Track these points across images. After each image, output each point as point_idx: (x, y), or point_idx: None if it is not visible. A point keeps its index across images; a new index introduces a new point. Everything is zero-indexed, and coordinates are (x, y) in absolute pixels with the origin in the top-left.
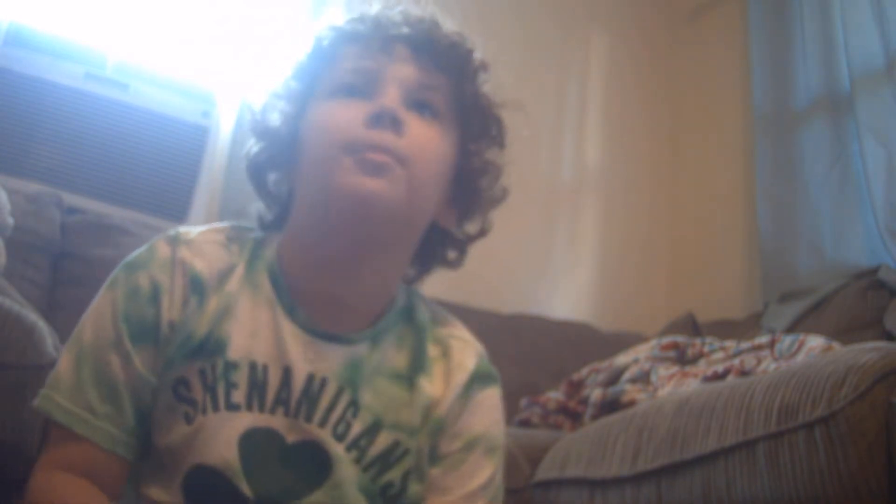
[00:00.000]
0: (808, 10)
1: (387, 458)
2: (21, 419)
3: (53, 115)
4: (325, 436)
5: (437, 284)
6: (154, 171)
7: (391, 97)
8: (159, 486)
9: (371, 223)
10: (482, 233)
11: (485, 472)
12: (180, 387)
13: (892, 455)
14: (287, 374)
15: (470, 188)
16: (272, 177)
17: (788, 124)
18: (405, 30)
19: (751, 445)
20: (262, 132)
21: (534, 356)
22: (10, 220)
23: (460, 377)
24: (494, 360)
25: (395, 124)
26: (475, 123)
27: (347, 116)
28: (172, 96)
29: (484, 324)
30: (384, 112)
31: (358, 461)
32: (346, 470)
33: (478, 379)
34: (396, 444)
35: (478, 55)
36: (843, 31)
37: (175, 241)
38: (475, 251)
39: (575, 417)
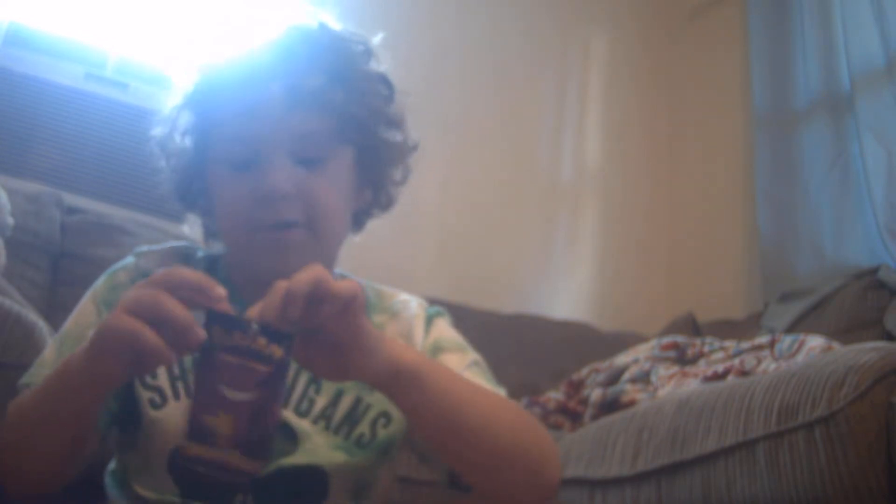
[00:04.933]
0: (808, 10)
1: (352, 416)
2: None
3: (53, 115)
4: (287, 415)
5: (437, 284)
6: (154, 171)
7: (276, 172)
8: (148, 476)
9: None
10: (404, 179)
11: (462, 361)
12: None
13: (892, 455)
14: None
15: (376, 171)
16: (201, 200)
17: (788, 124)
18: (276, 76)
19: (751, 445)
20: (174, 167)
21: (534, 356)
22: (10, 220)
23: (418, 324)
24: (494, 360)
25: (285, 200)
26: (365, 131)
27: (241, 198)
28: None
29: (484, 324)
30: (271, 194)
31: (327, 428)
32: (316, 439)
33: (430, 318)
34: (359, 400)
35: (354, 49)
36: (843, 31)
37: (138, 255)
38: (475, 251)
39: (575, 417)
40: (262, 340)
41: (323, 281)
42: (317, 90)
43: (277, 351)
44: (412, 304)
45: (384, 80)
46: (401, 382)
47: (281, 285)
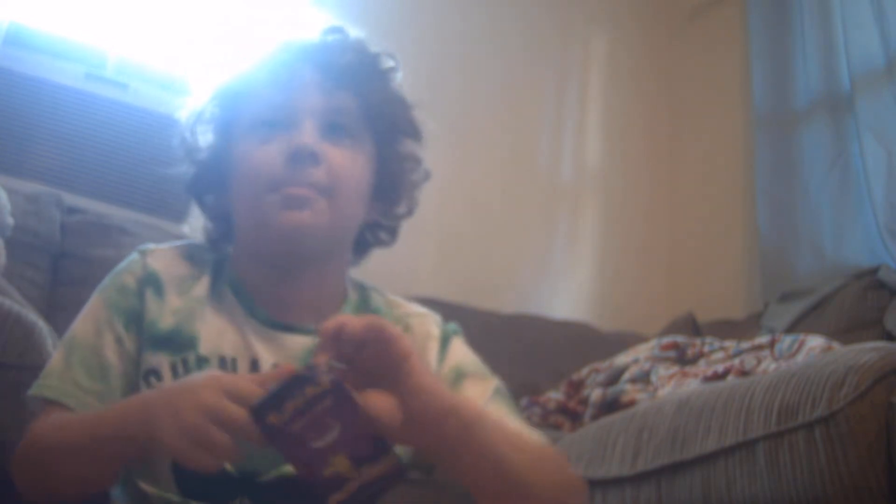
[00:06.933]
0: (808, 10)
1: None
2: (21, 419)
3: (53, 115)
4: None
5: (437, 284)
6: (154, 171)
7: (307, 132)
8: (152, 476)
9: (301, 247)
10: (409, 212)
11: (485, 389)
12: (151, 377)
13: (892, 455)
14: (254, 365)
15: (390, 183)
16: (211, 197)
17: (788, 124)
18: (310, 56)
19: (751, 445)
20: (194, 158)
21: (534, 356)
22: (10, 220)
23: (432, 346)
24: (494, 360)
25: (314, 158)
26: (387, 127)
27: (268, 156)
28: (172, 96)
29: (484, 324)
30: (302, 149)
31: None
32: None
33: (445, 339)
34: None
35: (384, 60)
36: (843, 31)
37: (144, 253)
38: (475, 251)
39: (575, 417)
40: (309, 389)
41: (380, 326)
42: (348, 70)
43: (325, 380)
44: (428, 321)
45: (404, 99)
46: (448, 429)
47: (327, 326)
